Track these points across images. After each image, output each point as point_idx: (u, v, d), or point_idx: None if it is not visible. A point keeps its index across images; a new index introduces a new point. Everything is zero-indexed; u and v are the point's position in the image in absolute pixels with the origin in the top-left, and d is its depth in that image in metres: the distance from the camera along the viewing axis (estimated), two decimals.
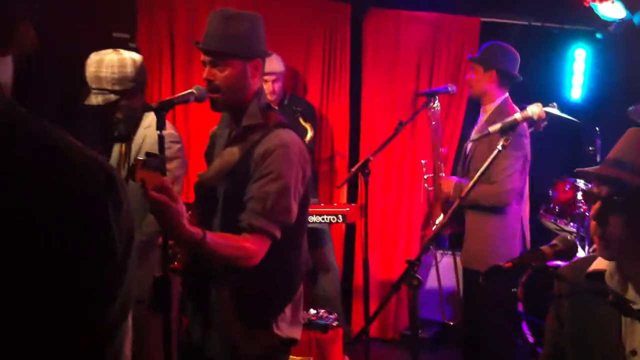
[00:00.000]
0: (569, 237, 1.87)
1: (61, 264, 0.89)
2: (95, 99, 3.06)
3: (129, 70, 3.07)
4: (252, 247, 2.34)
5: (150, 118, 3.12)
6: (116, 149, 3.29)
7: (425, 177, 4.35)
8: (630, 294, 1.77)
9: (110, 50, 3.13)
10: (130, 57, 3.11)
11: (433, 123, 4.19)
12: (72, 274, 0.89)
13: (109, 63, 3.05)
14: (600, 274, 1.84)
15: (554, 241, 1.84)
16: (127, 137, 3.18)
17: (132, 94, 3.10)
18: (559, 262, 2.18)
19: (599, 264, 1.86)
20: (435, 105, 4.14)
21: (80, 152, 0.95)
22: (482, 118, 4.10)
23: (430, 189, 4.25)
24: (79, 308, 0.90)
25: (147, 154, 2.15)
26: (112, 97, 3.06)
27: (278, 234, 2.38)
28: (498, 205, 3.87)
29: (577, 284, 1.87)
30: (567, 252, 1.83)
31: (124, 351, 0.97)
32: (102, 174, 0.95)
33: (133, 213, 0.99)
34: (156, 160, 2.13)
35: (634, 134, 1.82)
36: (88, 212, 0.92)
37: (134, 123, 3.16)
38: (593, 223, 1.78)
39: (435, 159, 4.19)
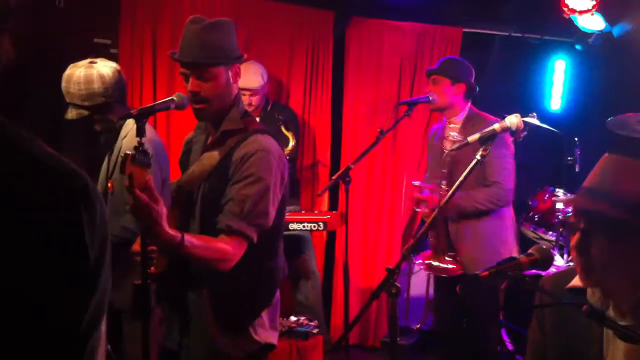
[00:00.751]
0: (544, 247, 1.89)
1: (32, 268, 0.90)
2: (70, 113, 3.07)
3: (96, 86, 3.02)
4: (230, 249, 2.35)
5: (128, 128, 3.11)
6: (105, 160, 3.29)
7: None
8: (611, 312, 1.79)
9: (84, 63, 3.09)
10: (99, 72, 3.04)
11: (447, 150, 3.95)
12: (43, 278, 0.90)
13: (76, 79, 3.02)
14: (581, 290, 1.86)
15: (530, 250, 1.86)
16: (110, 149, 3.18)
17: (107, 107, 3.07)
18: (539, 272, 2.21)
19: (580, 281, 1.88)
20: (453, 134, 4.01)
21: (55, 161, 0.96)
22: (448, 131, 4.13)
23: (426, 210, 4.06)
24: (50, 311, 0.91)
25: (136, 148, 2.15)
26: (84, 112, 3.05)
27: (255, 237, 2.39)
28: (503, 205, 3.91)
29: (559, 295, 1.88)
30: (544, 261, 1.85)
31: (96, 357, 0.98)
32: (76, 182, 0.96)
33: (107, 223, 1.01)
34: (145, 157, 2.13)
35: (608, 161, 1.83)
36: (61, 219, 0.93)
37: (114, 134, 3.15)
38: (574, 252, 1.80)
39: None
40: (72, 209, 0.94)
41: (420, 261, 3.97)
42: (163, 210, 2.16)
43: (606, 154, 1.84)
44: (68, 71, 3.07)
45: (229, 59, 2.47)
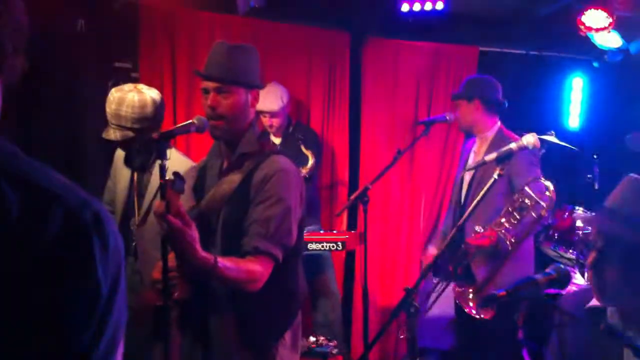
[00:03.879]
0: (562, 266, 1.89)
1: (44, 302, 0.88)
2: (114, 134, 3.12)
3: (149, 110, 3.13)
4: (259, 269, 2.37)
5: (168, 151, 3.16)
6: (124, 177, 3.32)
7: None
8: (630, 332, 1.79)
9: (131, 87, 3.18)
10: (151, 97, 3.16)
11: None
12: (54, 313, 0.89)
13: (130, 103, 3.10)
14: (601, 310, 1.86)
15: (548, 270, 1.87)
16: (143, 168, 3.24)
17: (150, 130, 3.13)
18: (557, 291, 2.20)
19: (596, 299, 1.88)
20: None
21: (66, 191, 0.94)
22: (477, 147, 4.14)
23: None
24: (62, 345, 0.90)
25: (175, 174, 2.17)
26: (130, 133, 3.12)
27: (280, 257, 2.42)
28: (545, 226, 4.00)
29: (578, 314, 1.89)
30: (561, 280, 1.86)
31: None
32: (87, 212, 0.94)
33: (122, 252, 0.99)
34: (181, 183, 2.17)
35: (629, 183, 1.83)
36: (72, 253, 0.91)
37: (150, 155, 3.21)
38: (589, 271, 1.80)
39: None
40: (83, 241, 0.92)
41: (461, 289, 3.67)
42: (196, 234, 2.18)
43: (628, 176, 1.84)
44: (117, 94, 3.14)
45: (250, 82, 2.53)
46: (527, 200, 3.49)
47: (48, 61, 3.83)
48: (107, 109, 3.14)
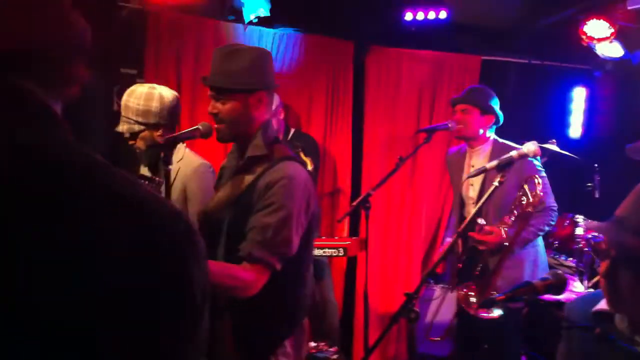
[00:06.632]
0: (559, 272, 1.92)
1: (141, 321, 0.86)
2: (121, 127, 3.14)
3: (154, 105, 3.11)
4: (249, 277, 2.35)
5: (181, 152, 3.20)
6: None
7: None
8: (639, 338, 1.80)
9: (148, 84, 3.23)
10: (160, 93, 3.15)
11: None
12: (152, 329, 0.88)
13: (138, 95, 3.12)
14: (608, 314, 1.87)
15: (545, 275, 1.90)
16: (157, 170, 3.19)
17: (156, 127, 3.12)
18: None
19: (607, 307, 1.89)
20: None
21: (157, 203, 0.93)
22: (472, 161, 4.14)
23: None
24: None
25: (141, 177, 2.17)
26: (136, 127, 3.11)
27: (278, 266, 2.38)
28: (554, 225, 4.11)
29: (585, 321, 1.89)
30: (558, 286, 1.88)
31: None
32: (180, 225, 0.92)
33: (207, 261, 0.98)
34: (156, 186, 2.16)
35: None
36: (167, 266, 0.89)
37: (156, 156, 3.17)
38: (602, 280, 1.81)
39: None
40: (179, 254, 0.90)
41: (463, 291, 3.67)
42: None
43: (639, 185, 1.85)
44: (132, 87, 3.18)
45: (246, 85, 2.50)
46: (526, 197, 3.58)
47: None
48: (121, 101, 3.17)
